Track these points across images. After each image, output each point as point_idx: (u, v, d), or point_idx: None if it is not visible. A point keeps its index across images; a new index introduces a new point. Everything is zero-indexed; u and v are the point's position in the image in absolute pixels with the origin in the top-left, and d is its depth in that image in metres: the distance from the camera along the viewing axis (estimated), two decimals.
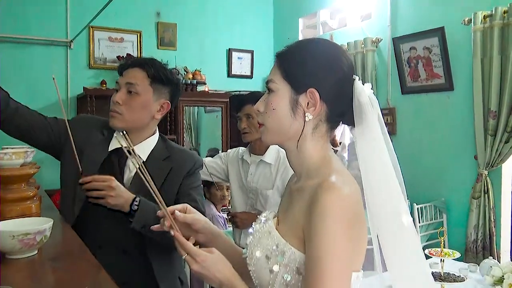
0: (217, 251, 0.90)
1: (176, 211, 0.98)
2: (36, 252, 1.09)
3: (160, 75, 1.48)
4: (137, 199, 1.37)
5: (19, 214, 1.32)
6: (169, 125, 4.38)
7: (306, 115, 0.89)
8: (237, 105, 2.21)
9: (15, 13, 3.91)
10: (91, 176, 1.35)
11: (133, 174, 1.48)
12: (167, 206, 1.06)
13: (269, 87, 0.93)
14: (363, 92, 0.90)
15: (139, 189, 1.41)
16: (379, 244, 0.91)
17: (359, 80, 0.92)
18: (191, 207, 1.04)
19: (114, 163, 1.49)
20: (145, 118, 1.49)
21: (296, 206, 0.89)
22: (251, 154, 2.22)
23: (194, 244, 0.93)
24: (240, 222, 2.15)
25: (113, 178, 1.36)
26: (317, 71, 0.89)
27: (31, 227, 1.06)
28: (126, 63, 1.52)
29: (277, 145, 0.98)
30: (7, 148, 1.39)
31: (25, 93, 3.92)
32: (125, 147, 1.11)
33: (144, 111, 1.47)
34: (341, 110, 0.92)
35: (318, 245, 0.78)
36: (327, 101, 0.90)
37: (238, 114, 2.17)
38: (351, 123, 0.93)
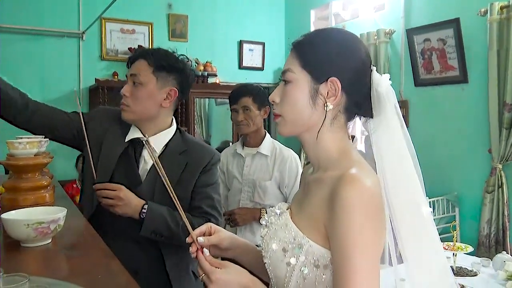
0: (231, 264, 0.88)
1: (199, 238, 0.94)
2: (50, 240, 1.10)
3: (161, 63, 1.47)
4: (146, 207, 1.39)
5: (33, 203, 1.34)
6: (180, 117, 4.39)
7: (326, 104, 0.87)
8: (232, 97, 2.18)
9: (28, 5, 3.93)
10: (103, 184, 1.40)
11: (148, 166, 1.50)
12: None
13: (286, 77, 0.91)
14: (381, 83, 0.89)
15: (154, 181, 1.44)
16: (394, 236, 0.90)
17: (376, 71, 0.91)
18: (216, 226, 1.01)
19: (130, 154, 1.51)
20: (152, 108, 1.48)
21: (315, 198, 0.87)
22: (245, 147, 2.20)
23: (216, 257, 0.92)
24: (240, 218, 2.09)
25: (122, 187, 1.39)
26: (337, 60, 0.88)
27: (46, 216, 1.08)
28: (132, 56, 1.52)
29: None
30: (21, 137, 1.40)
31: (38, 85, 3.98)
32: (143, 139, 1.09)
33: (150, 100, 1.47)
34: (358, 101, 0.90)
35: (345, 240, 0.77)
36: (346, 91, 0.88)
37: (234, 106, 2.15)
38: (368, 114, 0.92)
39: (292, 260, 0.83)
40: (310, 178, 0.94)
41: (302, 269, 0.83)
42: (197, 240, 0.93)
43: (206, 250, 0.91)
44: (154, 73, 1.46)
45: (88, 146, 1.41)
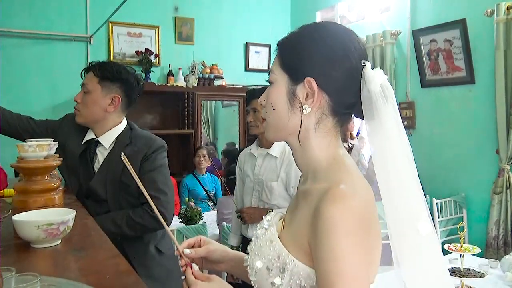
0: (217, 277, 0.84)
1: (186, 250, 0.90)
2: (59, 241, 1.12)
3: (106, 73, 1.71)
4: None
5: (43, 205, 1.36)
6: (187, 119, 4.42)
7: (303, 107, 0.79)
8: (247, 98, 2.26)
9: (36, 9, 3.99)
10: None
11: (100, 163, 1.71)
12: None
13: (269, 78, 0.84)
14: (374, 80, 0.77)
15: (105, 174, 1.68)
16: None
17: (371, 67, 0.79)
18: (206, 238, 0.99)
19: (87, 153, 1.74)
20: (97, 112, 1.71)
21: (301, 211, 0.79)
22: (259, 147, 2.27)
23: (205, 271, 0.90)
24: (248, 217, 2.19)
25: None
26: (316, 58, 0.78)
27: (55, 217, 1.09)
28: (84, 68, 1.78)
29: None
30: (31, 141, 1.42)
31: (46, 88, 4.02)
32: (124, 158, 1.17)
33: (95, 106, 1.70)
34: (349, 102, 0.80)
35: (328, 264, 0.69)
36: (330, 92, 0.78)
37: (247, 108, 2.22)
38: (360, 115, 0.80)
39: (277, 280, 0.76)
40: (300, 188, 0.87)
41: None
42: (183, 253, 0.90)
43: (194, 265, 0.86)
44: (99, 82, 1.70)
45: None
